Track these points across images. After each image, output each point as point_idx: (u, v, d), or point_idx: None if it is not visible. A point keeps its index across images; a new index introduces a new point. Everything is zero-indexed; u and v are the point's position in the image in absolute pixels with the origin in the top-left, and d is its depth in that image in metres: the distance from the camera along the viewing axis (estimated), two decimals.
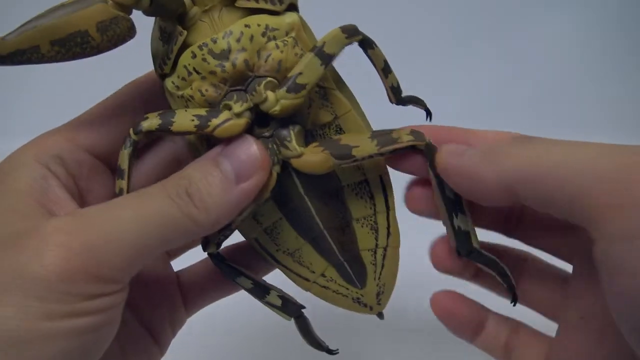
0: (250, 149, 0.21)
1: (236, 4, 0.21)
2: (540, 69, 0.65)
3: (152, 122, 0.21)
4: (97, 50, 0.20)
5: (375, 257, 0.26)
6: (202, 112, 0.21)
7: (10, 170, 0.21)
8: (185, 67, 0.22)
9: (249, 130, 0.22)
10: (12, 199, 0.20)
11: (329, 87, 0.23)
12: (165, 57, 0.22)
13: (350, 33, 0.22)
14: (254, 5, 0.21)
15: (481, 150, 0.21)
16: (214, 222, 0.20)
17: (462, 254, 0.24)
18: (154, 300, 0.26)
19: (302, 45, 0.22)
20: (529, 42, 0.66)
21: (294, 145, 0.22)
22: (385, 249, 0.25)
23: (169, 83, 0.22)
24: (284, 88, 0.21)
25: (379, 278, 0.26)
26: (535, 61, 0.66)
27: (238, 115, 0.21)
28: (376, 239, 0.25)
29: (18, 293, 0.17)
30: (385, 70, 0.23)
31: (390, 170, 0.25)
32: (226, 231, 0.24)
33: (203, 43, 0.21)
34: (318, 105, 0.23)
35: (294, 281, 0.26)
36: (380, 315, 0.27)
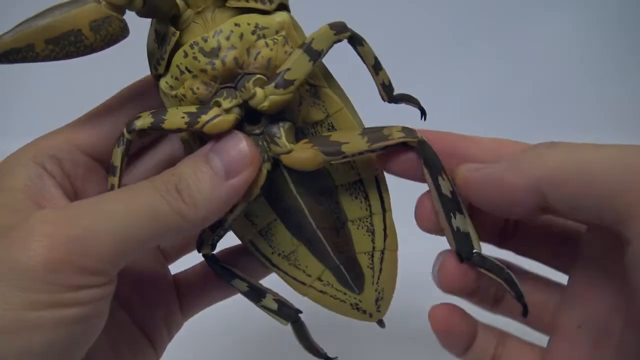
0: (240, 145, 0.21)
1: (227, 4, 0.22)
2: (540, 68, 0.65)
3: (144, 120, 0.21)
4: (91, 49, 0.20)
5: (372, 261, 0.25)
6: (193, 109, 0.21)
7: (7, 169, 0.21)
8: (177, 66, 0.22)
9: (240, 128, 0.22)
10: (6, 196, 0.20)
11: (320, 85, 0.23)
12: (160, 58, 0.22)
13: (339, 29, 0.22)
14: (244, 4, 0.22)
15: (506, 160, 0.20)
16: (203, 217, 0.20)
17: (463, 257, 0.22)
18: (149, 302, 0.26)
19: (292, 43, 0.22)
20: (529, 42, 0.66)
21: (284, 141, 0.22)
22: (382, 252, 0.25)
23: (163, 83, 0.22)
24: (273, 84, 0.21)
25: (377, 283, 0.25)
26: (535, 61, 0.65)
27: (227, 111, 0.21)
28: (373, 241, 0.25)
29: (3, 283, 0.17)
30: (375, 67, 0.23)
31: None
32: (220, 231, 0.24)
33: (194, 42, 0.21)
34: (309, 103, 0.23)
35: (291, 285, 0.26)
36: (381, 323, 0.26)
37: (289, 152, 0.22)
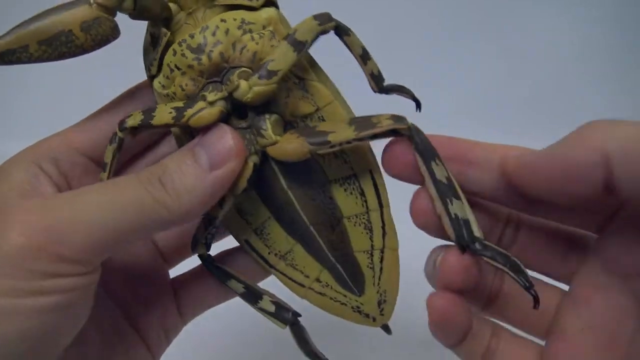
0: (224, 136, 0.21)
1: (216, 2, 0.22)
2: (538, 66, 0.64)
3: (135, 118, 0.22)
4: (82, 49, 0.21)
5: (372, 260, 0.24)
6: (180, 104, 0.22)
7: (5, 170, 0.22)
8: (168, 65, 0.22)
9: (228, 122, 0.22)
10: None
11: (309, 78, 0.23)
12: (153, 58, 0.23)
13: (323, 20, 0.22)
14: (232, 1, 0.22)
15: (563, 140, 0.19)
16: (187, 209, 0.20)
17: (464, 246, 0.21)
18: (145, 303, 0.26)
19: (279, 38, 0.22)
20: (527, 40, 0.64)
21: (269, 133, 0.22)
22: (382, 251, 0.24)
23: (156, 83, 0.23)
24: (256, 75, 0.21)
25: (379, 284, 0.24)
26: (532, 59, 0.64)
27: (212, 104, 0.21)
28: (371, 239, 0.24)
29: None
30: (363, 57, 0.23)
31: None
32: (212, 229, 0.23)
33: (182, 39, 0.22)
34: (298, 96, 0.22)
35: (290, 287, 0.25)
36: (387, 329, 0.25)
37: (275, 143, 0.22)
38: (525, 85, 0.63)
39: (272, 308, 0.25)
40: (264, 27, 0.22)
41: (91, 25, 0.21)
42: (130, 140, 0.23)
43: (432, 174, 0.21)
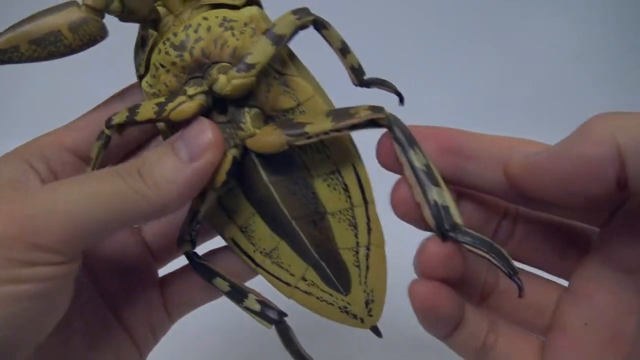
0: (203, 129, 0.21)
1: (201, 2, 0.23)
2: (539, 67, 0.63)
3: (121, 115, 0.23)
4: (71, 49, 0.22)
5: (357, 258, 0.24)
6: (162, 99, 0.22)
7: None
8: (154, 64, 0.23)
9: (209, 117, 0.22)
10: None
11: (289, 73, 0.23)
12: (141, 59, 0.23)
13: (302, 15, 0.22)
14: (214, 0, 0.23)
15: (569, 137, 0.18)
16: (165, 200, 0.20)
17: (444, 234, 0.20)
18: (132, 298, 0.26)
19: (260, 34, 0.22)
20: (527, 40, 0.64)
21: (248, 126, 0.22)
22: (368, 248, 0.24)
23: (144, 83, 0.24)
24: (235, 69, 0.21)
25: (365, 283, 0.24)
26: (533, 59, 0.63)
27: (191, 97, 0.22)
28: (356, 236, 0.24)
29: None
30: (343, 51, 0.23)
31: (367, 162, 0.24)
32: (195, 224, 0.24)
33: (166, 38, 0.22)
34: (279, 91, 0.23)
35: (276, 287, 0.25)
36: (376, 331, 0.25)
37: (253, 135, 0.22)
38: (525, 85, 0.63)
39: (257, 307, 0.24)
40: (245, 25, 0.22)
41: (79, 25, 0.22)
42: (118, 138, 0.23)
43: (410, 162, 0.21)
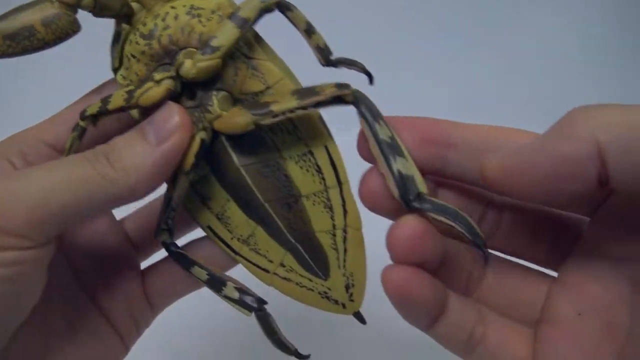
0: (170, 112, 0.21)
1: None
2: (537, 64, 0.62)
3: (94, 106, 0.23)
4: (44, 42, 0.23)
5: (334, 240, 0.24)
6: (132, 87, 0.22)
7: None
8: (126, 55, 0.23)
9: (178, 103, 0.22)
10: None
11: (257, 57, 0.23)
12: (115, 52, 0.24)
13: None
14: None
15: (548, 133, 0.18)
16: (134, 183, 0.20)
17: (408, 202, 0.20)
18: (111, 287, 0.26)
19: None
20: (526, 38, 0.63)
21: (215, 108, 0.23)
22: (344, 231, 0.23)
23: (119, 77, 0.24)
24: (200, 52, 0.22)
25: (344, 267, 0.24)
26: (531, 57, 0.62)
27: (158, 82, 0.22)
28: (332, 218, 0.23)
29: None
30: (308, 31, 0.23)
31: (339, 143, 0.23)
32: (169, 211, 0.24)
33: (136, 29, 0.23)
34: (247, 75, 0.23)
35: (255, 274, 0.25)
36: (360, 318, 0.24)
37: (220, 116, 0.22)
38: (524, 83, 0.62)
39: (236, 295, 0.24)
40: (212, 12, 0.23)
41: (51, 20, 0.22)
42: (94, 130, 0.24)
43: (375, 135, 0.21)
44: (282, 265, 0.24)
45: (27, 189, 0.19)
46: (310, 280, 0.24)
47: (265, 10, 0.22)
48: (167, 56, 0.23)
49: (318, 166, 0.23)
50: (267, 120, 0.22)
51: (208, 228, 0.25)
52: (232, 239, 0.25)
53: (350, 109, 0.22)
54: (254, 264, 0.24)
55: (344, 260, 0.24)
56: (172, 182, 0.23)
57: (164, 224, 0.24)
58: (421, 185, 0.20)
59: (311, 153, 0.23)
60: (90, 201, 0.20)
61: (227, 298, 0.24)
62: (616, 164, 0.16)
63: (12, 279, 0.19)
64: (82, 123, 0.23)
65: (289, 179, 0.23)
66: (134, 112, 0.24)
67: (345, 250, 0.23)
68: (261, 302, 0.24)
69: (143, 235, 0.28)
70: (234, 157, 0.23)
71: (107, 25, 0.24)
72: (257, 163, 0.23)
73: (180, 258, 0.24)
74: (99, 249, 0.26)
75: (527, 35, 0.64)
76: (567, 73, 0.63)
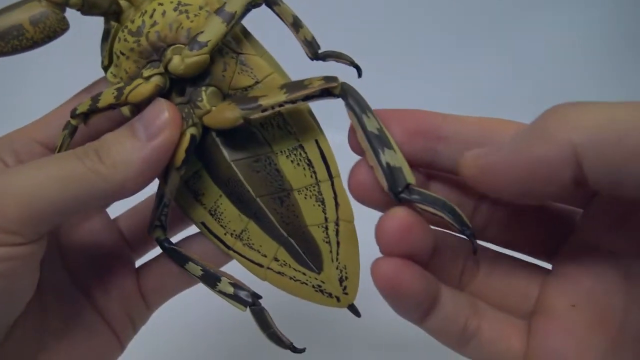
0: (160, 108, 0.21)
1: None
2: (541, 67, 0.62)
3: (85, 104, 0.23)
4: (33, 41, 0.23)
5: (327, 234, 0.24)
6: (121, 85, 0.22)
7: None
8: (115, 53, 0.24)
9: (168, 99, 0.22)
10: None
11: (246, 52, 0.23)
12: (105, 50, 0.24)
13: None
14: None
15: (523, 132, 0.17)
16: (123, 178, 0.20)
17: (397, 194, 0.20)
18: (105, 284, 0.26)
19: None
20: (530, 41, 0.63)
21: (204, 103, 0.23)
22: (337, 224, 0.23)
23: (109, 74, 0.24)
24: (187, 48, 0.22)
25: (337, 259, 0.24)
26: (535, 60, 0.63)
27: (147, 79, 0.22)
28: (324, 211, 0.24)
29: None
30: (295, 25, 0.23)
31: (330, 138, 0.23)
32: (162, 207, 0.24)
33: (125, 26, 0.23)
34: (236, 70, 0.23)
35: (250, 269, 0.25)
36: (355, 311, 0.24)
37: (209, 111, 0.22)
38: (525, 85, 0.62)
39: (230, 290, 0.24)
40: (200, 8, 0.23)
41: (39, 19, 0.22)
42: (85, 129, 0.24)
43: (363, 127, 0.21)
44: (276, 259, 0.24)
45: (16, 185, 0.19)
46: (304, 274, 0.24)
47: (252, 4, 0.22)
48: (155, 53, 0.23)
49: (309, 160, 0.23)
50: (256, 115, 0.22)
51: (201, 224, 0.25)
52: (225, 234, 0.25)
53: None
54: (247, 259, 0.25)
55: (337, 253, 0.24)
56: (164, 178, 0.23)
57: (157, 221, 0.24)
58: (409, 176, 0.20)
59: (302, 147, 0.23)
60: (80, 197, 0.20)
61: (222, 293, 0.24)
62: (591, 165, 0.16)
63: (3, 274, 0.19)
64: (73, 121, 0.23)
65: (280, 173, 0.24)
66: (125, 110, 0.24)
67: (338, 243, 0.24)
68: (256, 296, 0.24)
69: (137, 233, 0.28)
70: (225, 153, 0.23)
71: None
72: (248, 158, 0.24)
73: (174, 254, 0.25)
74: (93, 247, 0.26)
75: (529, 35, 0.64)
76: (569, 73, 0.63)
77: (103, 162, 0.20)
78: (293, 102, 0.21)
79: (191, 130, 0.22)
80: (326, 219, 0.23)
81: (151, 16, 0.23)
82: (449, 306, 0.21)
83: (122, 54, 0.23)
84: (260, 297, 0.24)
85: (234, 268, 0.25)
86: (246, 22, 0.23)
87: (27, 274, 0.20)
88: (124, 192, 0.21)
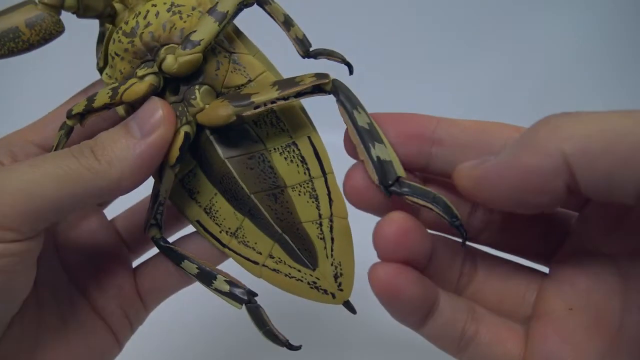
0: (154, 106, 0.22)
1: None
2: (541, 68, 0.62)
3: (80, 105, 0.23)
4: (29, 43, 0.23)
5: (321, 230, 0.24)
6: (116, 84, 0.23)
7: None
8: (110, 54, 0.24)
9: (162, 98, 0.23)
10: None
11: (239, 51, 0.23)
12: (100, 52, 0.24)
13: None
14: None
15: (515, 143, 0.18)
16: (119, 175, 0.21)
17: (387, 187, 0.20)
18: (103, 285, 0.26)
19: None
20: (531, 41, 0.64)
21: (198, 101, 0.23)
22: (331, 220, 0.24)
23: (104, 76, 0.25)
24: (181, 47, 0.22)
25: (332, 256, 0.24)
26: (536, 60, 0.63)
27: (141, 78, 0.22)
28: (318, 208, 0.24)
29: None
30: (286, 24, 0.24)
31: (324, 137, 0.24)
32: (157, 206, 0.24)
33: (119, 27, 0.23)
34: (229, 69, 0.23)
35: (245, 267, 0.25)
36: (350, 308, 0.24)
37: (203, 109, 0.23)
38: (525, 85, 0.62)
39: (226, 288, 0.24)
40: (193, 9, 0.23)
41: (35, 22, 0.23)
42: (81, 129, 0.24)
43: (354, 122, 0.21)
44: (271, 256, 0.24)
45: (12, 183, 0.20)
46: (299, 270, 0.24)
47: (244, 4, 0.23)
48: (149, 53, 0.23)
49: (302, 157, 0.24)
50: (249, 112, 0.22)
51: (197, 222, 0.25)
52: (220, 232, 0.25)
53: None
54: (243, 257, 0.25)
55: (332, 250, 0.24)
56: (159, 176, 0.23)
57: (153, 219, 0.24)
58: (400, 169, 0.21)
59: (295, 144, 0.24)
60: (76, 194, 0.20)
61: (218, 291, 0.24)
62: (583, 174, 0.16)
63: (0, 271, 0.20)
64: (69, 122, 0.24)
65: (274, 170, 0.24)
66: (120, 110, 0.24)
67: (332, 240, 0.24)
68: (251, 294, 0.24)
69: (134, 234, 0.28)
70: (219, 150, 0.24)
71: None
72: (242, 155, 0.24)
73: (170, 253, 0.25)
74: (90, 247, 0.26)
75: (529, 37, 0.64)
76: (568, 75, 0.63)
77: (98, 160, 0.21)
78: (285, 98, 0.22)
79: (185, 128, 0.23)
80: (320, 215, 0.24)
81: (145, 17, 0.23)
82: (447, 311, 0.21)
83: (117, 55, 0.23)
84: (256, 295, 0.24)
85: (229, 266, 0.25)
86: (238, 21, 0.24)
87: (23, 270, 0.21)
88: (120, 189, 0.21)
